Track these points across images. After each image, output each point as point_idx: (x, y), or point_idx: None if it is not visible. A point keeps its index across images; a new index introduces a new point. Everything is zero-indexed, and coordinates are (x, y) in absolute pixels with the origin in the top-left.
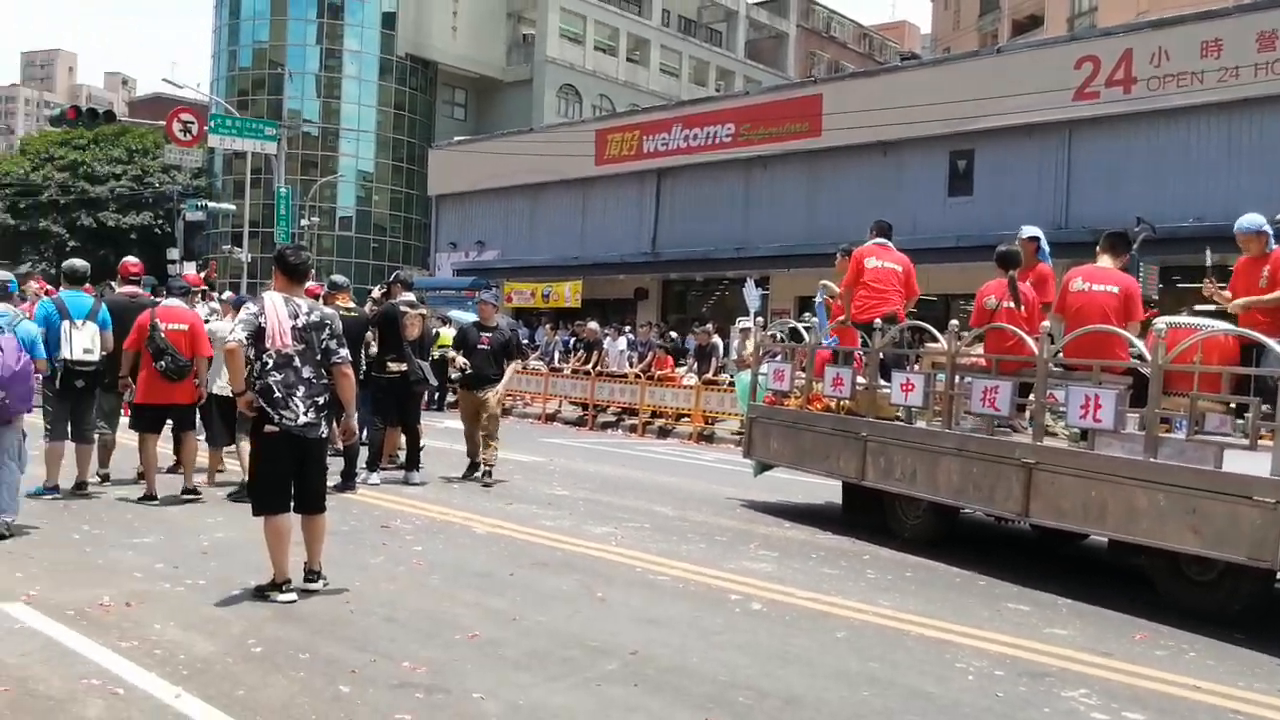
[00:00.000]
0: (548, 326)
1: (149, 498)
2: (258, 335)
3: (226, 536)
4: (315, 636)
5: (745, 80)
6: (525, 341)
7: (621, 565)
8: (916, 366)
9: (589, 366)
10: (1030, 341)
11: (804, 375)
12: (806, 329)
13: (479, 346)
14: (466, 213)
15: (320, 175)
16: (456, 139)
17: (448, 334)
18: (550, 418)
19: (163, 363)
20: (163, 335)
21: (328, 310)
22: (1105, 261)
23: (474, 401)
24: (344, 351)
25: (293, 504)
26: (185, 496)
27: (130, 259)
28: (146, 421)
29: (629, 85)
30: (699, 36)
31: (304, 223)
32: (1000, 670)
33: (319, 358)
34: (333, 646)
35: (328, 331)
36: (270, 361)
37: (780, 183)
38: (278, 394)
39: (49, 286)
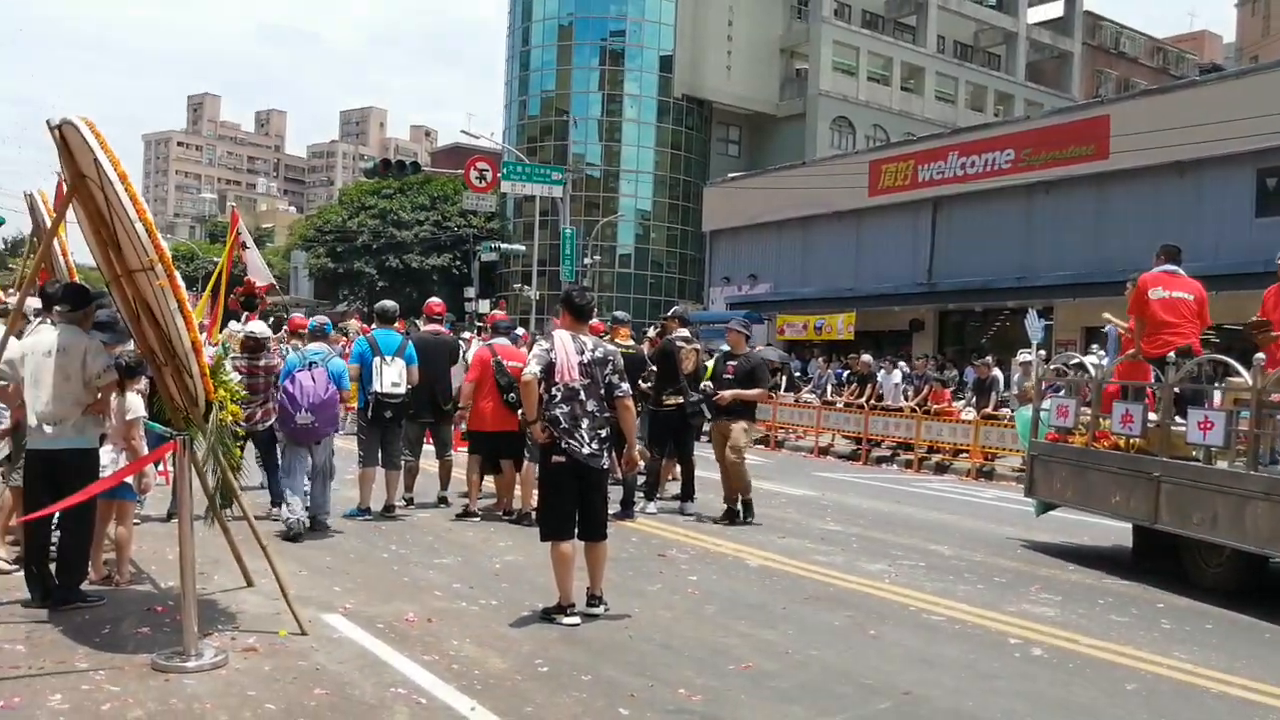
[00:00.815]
0: (820, 359)
1: (467, 514)
2: (548, 370)
3: (515, 560)
4: (597, 659)
5: (1026, 104)
6: (797, 374)
7: (895, 603)
8: (1217, 402)
9: (862, 400)
10: None
11: (1089, 411)
12: (1094, 365)
13: (724, 376)
14: (739, 247)
15: (602, 215)
16: (730, 175)
17: (710, 366)
18: (823, 451)
19: (512, 395)
20: (507, 370)
21: (610, 346)
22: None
23: (720, 431)
24: (625, 385)
25: (576, 531)
26: (505, 517)
27: (434, 300)
28: (482, 447)
29: (903, 114)
30: (976, 61)
31: (587, 261)
32: None
33: (602, 391)
34: (613, 670)
35: (610, 366)
36: (558, 394)
37: (1065, 208)
38: (564, 425)
39: (365, 325)
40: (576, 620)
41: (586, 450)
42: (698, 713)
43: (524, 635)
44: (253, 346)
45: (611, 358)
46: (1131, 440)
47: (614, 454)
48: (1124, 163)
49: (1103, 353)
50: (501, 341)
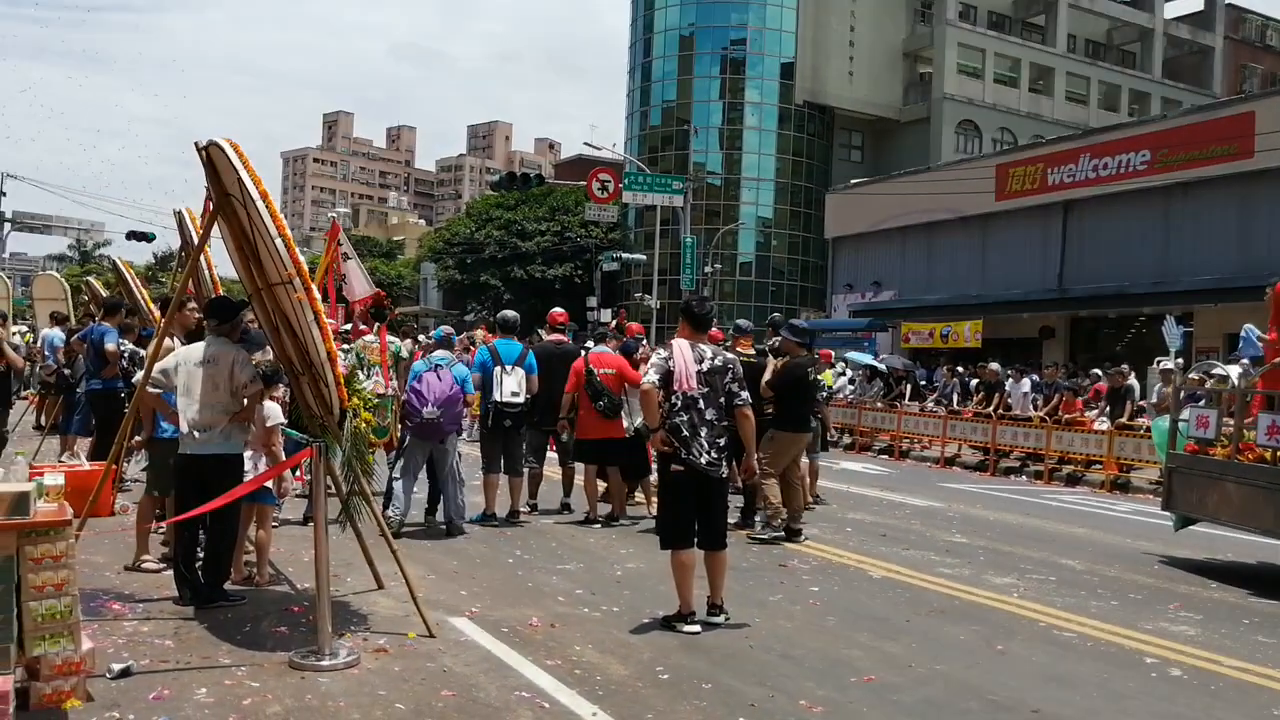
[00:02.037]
0: (946, 368)
1: (590, 521)
2: (666, 378)
3: (636, 567)
4: (717, 668)
5: (1162, 102)
6: (923, 383)
7: (1024, 618)
8: None
9: (990, 409)
10: None
11: (1232, 422)
12: (1237, 374)
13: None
14: (862, 254)
15: (723, 223)
16: (853, 181)
17: (829, 375)
18: (949, 461)
19: (601, 403)
20: (598, 379)
21: (729, 355)
22: None
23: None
24: (745, 394)
25: (696, 540)
26: (613, 523)
27: (557, 309)
28: (588, 454)
29: (1032, 116)
30: (1109, 59)
31: (707, 269)
32: None
33: (721, 400)
34: (733, 679)
35: (730, 375)
36: (678, 403)
37: (1205, 210)
38: (684, 433)
39: (489, 335)
40: (697, 628)
41: (705, 459)
42: None
43: (645, 642)
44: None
45: (731, 366)
46: (1279, 453)
47: (733, 463)
48: (1270, 161)
49: (1245, 360)
50: (600, 349)
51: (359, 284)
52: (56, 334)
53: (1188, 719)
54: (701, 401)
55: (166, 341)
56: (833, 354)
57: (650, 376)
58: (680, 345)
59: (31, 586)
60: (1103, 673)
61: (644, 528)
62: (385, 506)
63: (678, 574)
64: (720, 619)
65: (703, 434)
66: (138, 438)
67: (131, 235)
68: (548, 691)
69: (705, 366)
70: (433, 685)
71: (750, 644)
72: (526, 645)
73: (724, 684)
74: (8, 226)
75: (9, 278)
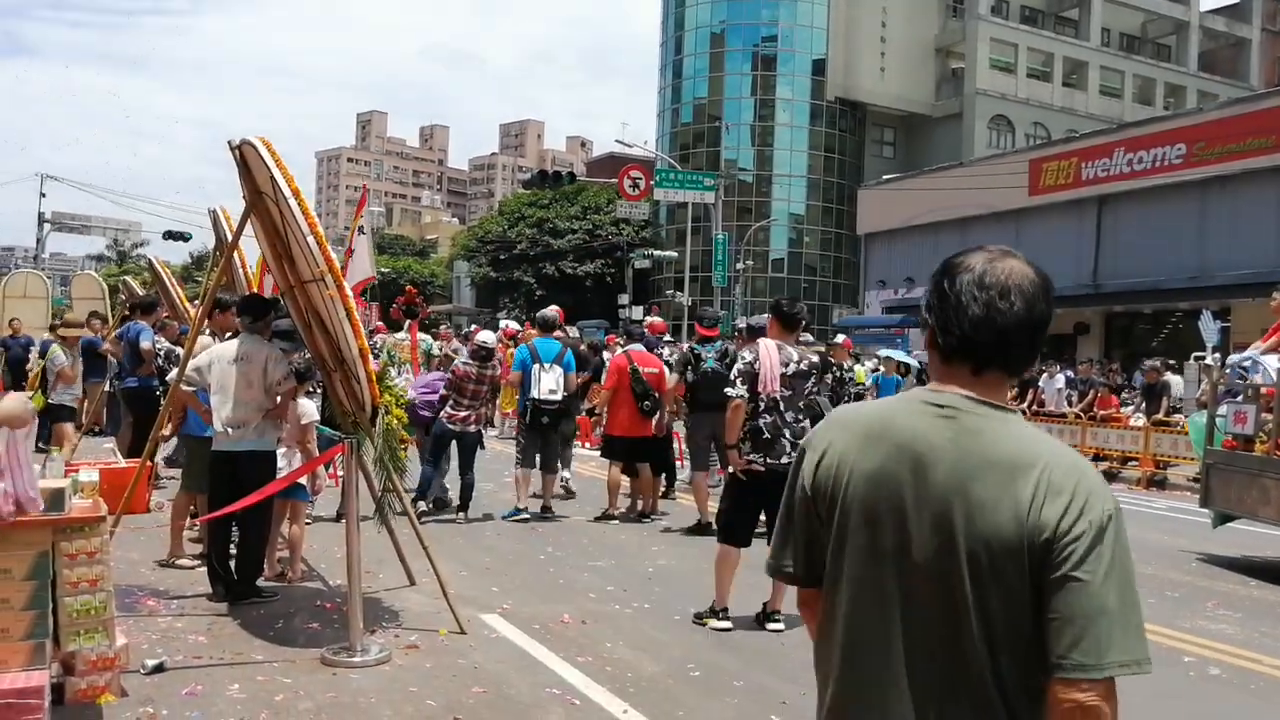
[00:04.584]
0: None
1: (607, 517)
2: (752, 380)
3: (668, 564)
4: (749, 665)
5: (1199, 95)
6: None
7: None
8: None
9: (1023, 405)
10: None
11: (1271, 417)
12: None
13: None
14: (895, 250)
15: (754, 220)
16: (885, 177)
17: (861, 371)
18: None
19: (647, 403)
20: (643, 377)
21: (815, 359)
22: None
23: None
24: (825, 402)
25: (767, 540)
26: (643, 520)
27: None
28: (619, 452)
29: (1065, 110)
30: (1143, 53)
31: (739, 266)
32: None
33: (801, 404)
34: (764, 676)
35: (812, 380)
36: (762, 405)
37: (1243, 204)
38: (767, 435)
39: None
40: (729, 624)
41: (786, 460)
42: None
43: (675, 639)
44: (484, 356)
45: (815, 371)
46: None
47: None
48: None
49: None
50: (637, 348)
51: (361, 265)
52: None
53: (1226, 718)
54: (783, 404)
55: (203, 339)
56: (853, 344)
57: (739, 390)
58: (768, 346)
59: (66, 582)
60: None
61: (669, 525)
62: (418, 498)
63: (721, 568)
64: (779, 626)
65: (786, 435)
66: (164, 431)
67: (168, 235)
68: (578, 688)
69: (791, 370)
70: (464, 682)
71: (782, 642)
72: (557, 642)
73: (755, 681)
74: (47, 227)
75: (48, 278)
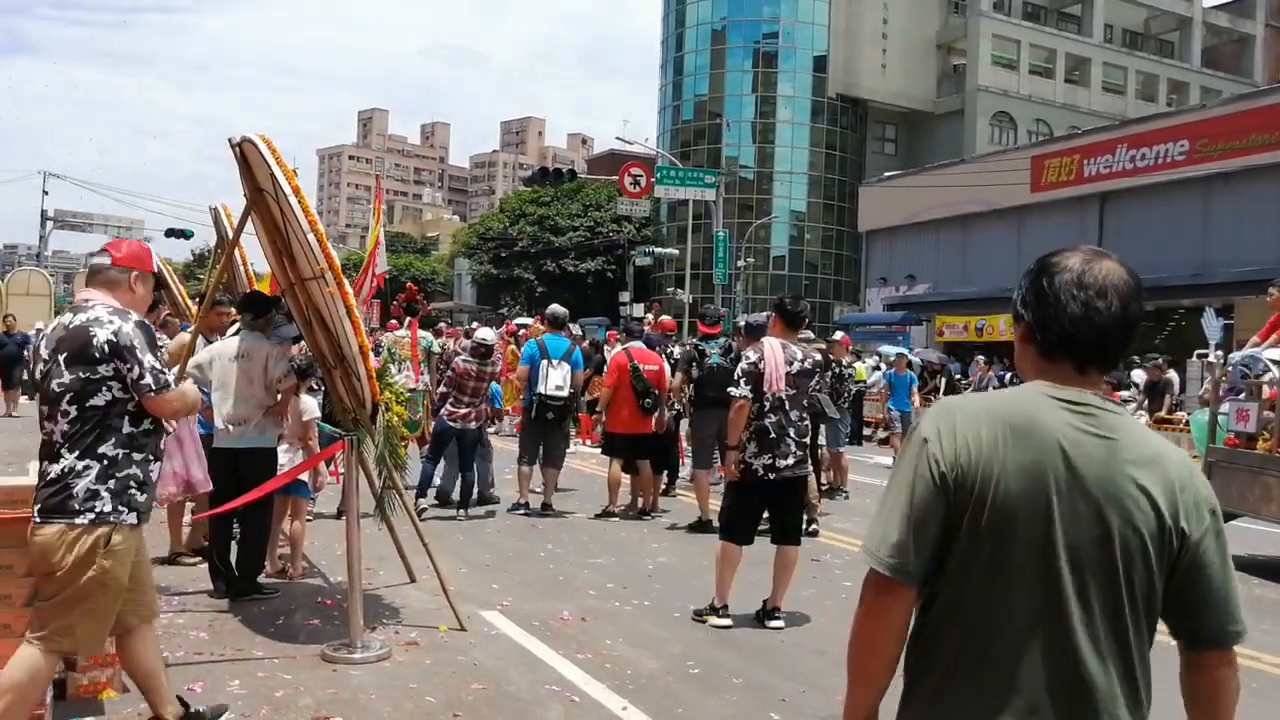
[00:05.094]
0: (981, 361)
1: (607, 514)
2: (756, 380)
3: (668, 561)
4: (748, 663)
5: (1202, 91)
6: (958, 377)
7: None
8: None
9: None
10: None
11: (1273, 415)
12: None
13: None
14: (896, 247)
15: (755, 217)
16: (886, 174)
17: (862, 368)
18: None
19: (648, 400)
20: (643, 374)
21: (818, 358)
22: None
23: None
24: (824, 397)
25: (772, 536)
26: (643, 517)
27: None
28: (619, 449)
29: (1068, 107)
30: (1146, 49)
31: (740, 264)
32: None
33: (805, 402)
34: (764, 674)
35: (817, 379)
36: (767, 405)
37: (1246, 201)
38: (772, 435)
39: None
40: (728, 621)
41: (791, 459)
42: None
43: (675, 636)
44: (483, 353)
45: (819, 371)
46: None
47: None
48: None
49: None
50: (638, 345)
51: (379, 260)
52: None
53: None
54: (788, 403)
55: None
56: (851, 340)
57: (742, 390)
58: (772, 345)
59: None
60: None
61: (671, 522)
62: (419, 495)
63: (722, 565)
64: (779, 624)
65: (790, 434)
66: None
67: (170, 233)
68: (578, 685)
69: (795, 368)
70: (463, 678)
71: (782, 639)
72: (557, 639)
73: (755, 679)
74: (50, 225)
75: (51, 276)
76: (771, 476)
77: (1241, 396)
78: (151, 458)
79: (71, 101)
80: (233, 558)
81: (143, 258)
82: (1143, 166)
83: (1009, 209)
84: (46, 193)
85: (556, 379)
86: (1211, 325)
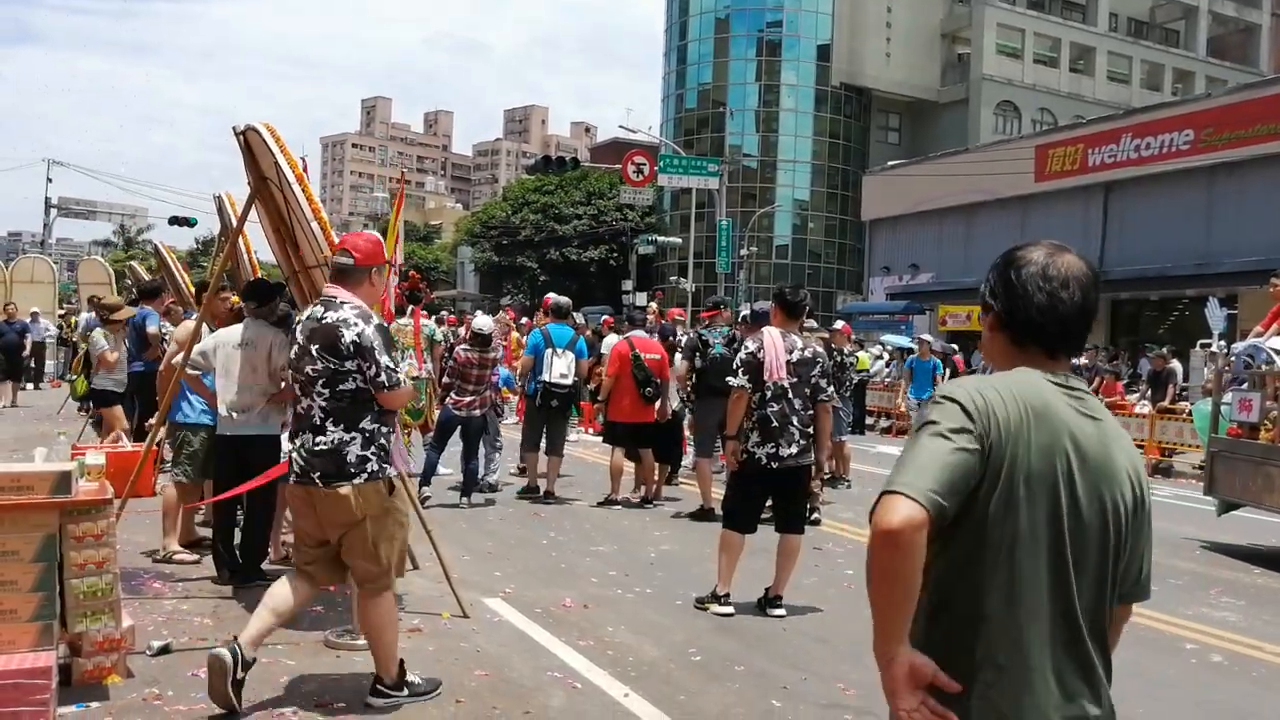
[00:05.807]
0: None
1: (610, 503)
2: (756, 370)
3: (671, 549)
4: (749, 651)
5: (1207, 81)
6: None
7: None
8: None
9: None
10: None
11: (1276, 405)
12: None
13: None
14: (900, 236)
15: (759, 206)
16: (890, 163)
17: (865, 358)
18: None
19: (649, 389)
20: (644, 364)
21: (818, 348)
22: None
23: None
24: (831, 390)
25: (775, 524)
26: (646, 505)
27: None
28: (621, 438)
29: (1072, 96)
30: (1152, 38)
31: (743, 252)
32: None
33: (807, 391)
34: (766, 662)
35: (818, 369)
36: (769, 393)
37: (1251, 190)
38: (775, 424)
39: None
40: (730, 609)
41: (794, 448)
42: (852, 707)
43: (677, 624)
44: (482, 341)
45: (820, 359)
46: None
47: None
48: None
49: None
50: (639, 334)
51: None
52: (93, 318)
53: (1226, 705)
54: (790, 391)
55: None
56: (852, 330)
57: (740, 379)
58: (772, 334)
59: (73, 564)
60: (1141, 659)
61: (671, 510)
62: (423, 484)
63: (724, 554)
64: (780, 612)
65: (793, 423)
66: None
67: (174, 220)
68: (580, 672)
69: (795, 357)
70: (466, 665)
71: (783, 627)
72: (559, 626)
73: (757, 666)
74: (54, 213)
75: (55, 263)
76: (774, 465)
77: (1245, 386)
78: (391, 429)
79: (76, 90)
80: (238, 544)
81: (377, 253)
82: (1147, 156)
83: (1013, 198)
84: (50, 180)
85: (561, 367)
86: (1215, 315)
